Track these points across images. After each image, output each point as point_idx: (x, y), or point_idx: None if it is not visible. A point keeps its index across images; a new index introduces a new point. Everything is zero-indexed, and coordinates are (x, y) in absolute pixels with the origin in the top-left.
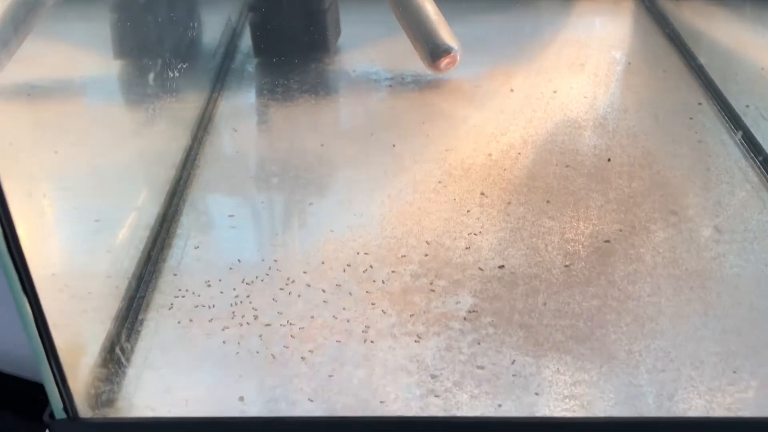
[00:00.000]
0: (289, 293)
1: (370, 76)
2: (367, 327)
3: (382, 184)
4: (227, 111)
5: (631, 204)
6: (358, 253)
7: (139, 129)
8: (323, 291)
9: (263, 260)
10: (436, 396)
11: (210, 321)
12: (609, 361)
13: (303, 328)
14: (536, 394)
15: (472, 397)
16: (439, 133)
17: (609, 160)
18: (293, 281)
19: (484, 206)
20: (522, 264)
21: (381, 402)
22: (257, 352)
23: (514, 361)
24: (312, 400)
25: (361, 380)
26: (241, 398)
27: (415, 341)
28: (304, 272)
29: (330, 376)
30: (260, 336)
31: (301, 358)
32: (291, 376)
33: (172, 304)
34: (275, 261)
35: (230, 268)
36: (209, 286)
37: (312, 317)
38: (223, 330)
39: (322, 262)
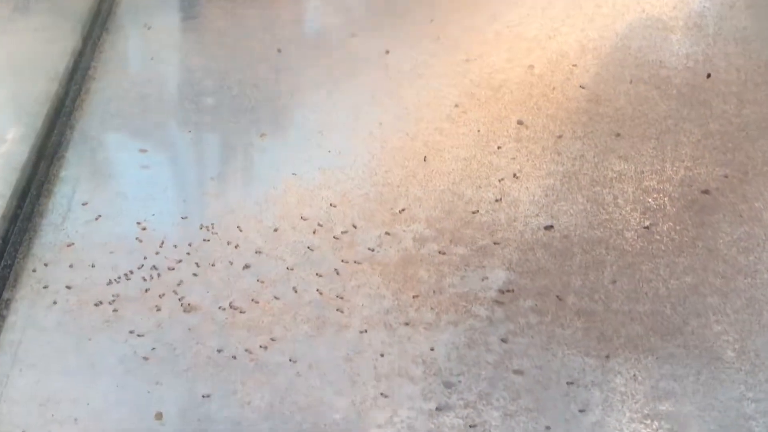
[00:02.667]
0: (231, 264)
1: None
2: (350, 313)
3: (369, 107)
4: None
5: (742, 139)
6: (333, 207)
7: (1, 24)
8: (282, 261)
9: (190, 217)
10: (453, 414)
11: (110, 306)
12: (711, 363)
13: (252, 315)
14: (602, 411)
15: (507, 416)
16: (456, 35)
17: (708, 75)
18: (236, 246)
19: (523, 141)
20: (579, 224)
21: (371, 426)
22: (181, 353)
23: (568, 362)
24: (267, 420)
25: (339, 392)
26: (158, 415)
27: (422, 334)
28: (254, 234)
29: (289, 387)
30: (188, 329)
31: (250, 358)
32: (233, 386)
33: (49, 280)
34: (209, 218)
35: (142, 228)
36: (111, 253)
37: (266, 299)
38: (130, 320)
39: (281, 220)
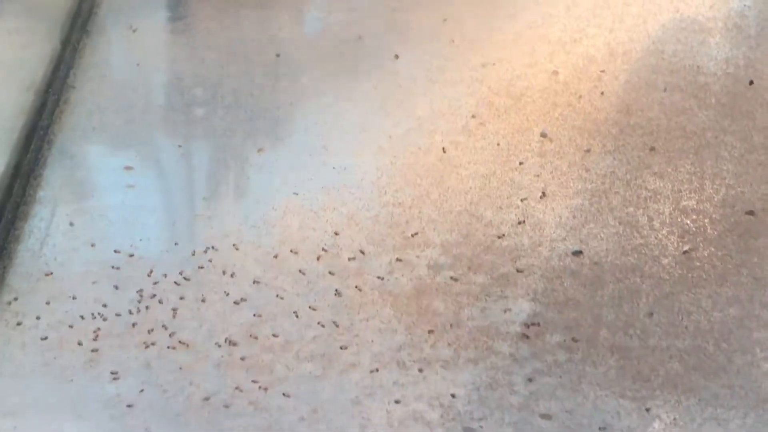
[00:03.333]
0: (226, 295)
1: None
2: (358, 350)
3: (377, 118)
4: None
5: None
6: (338, 232)
7: None
8: (283, 291)
9: (181, 243)
10: None
11: (93, 343)
12: (759, 405)
13: (250, 353)
14: None
15: None
16: (472, 37)
17: (751, 83)
18: (232, 275)
19: (547, 155)
20: (611, 249)
21: None
22: (173, 396)
23: (601, 405)
24: None
25: None
26: None
27: (438, 374)
28: (252, 261)
29: None
30: (179, 368)
31: (248, 401)
32: (228, 430)
33: (25, 314)
34: (202, 244)
35: (128, 256)
36: (93, 283)
37: (266, 335)
38: (115, 359)
39: (281, 245)
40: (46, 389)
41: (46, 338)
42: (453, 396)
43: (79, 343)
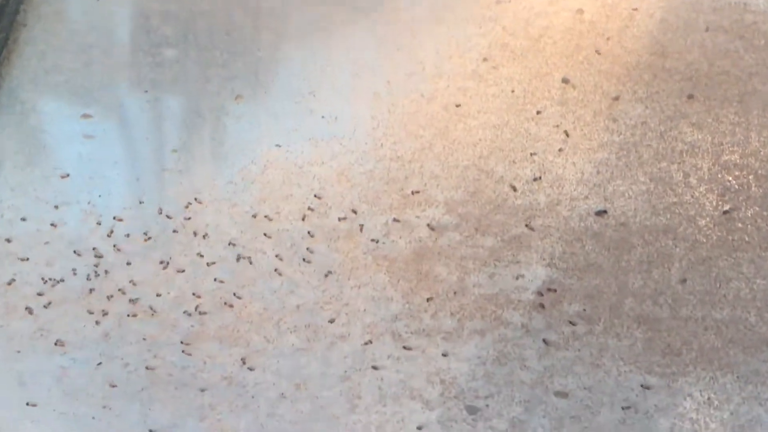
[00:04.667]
0: (199, 257)
1: None
2: (348, 320)
3: (374, 61)
4: None
5: None
6: (327, 187)
7: None
8: (263, 255)
9: (147, 200)
10: None
11: (45, 311)
12: None
13: (225, 323)
14: None
15: None
16: None
17: None
18: (204, 237)
19: (569, 104)
20: (640, 209)
21: None
22: (135, 371)
23: (624, 382)
24: None
25: (334, 419)
26: None
27: (439, 347)
28: (228, 221)
29: (272, 413)
30: (143, 339)
31: (222, 377)
32: (201, 411)
33: None
34: (171, 201)
35: (87, 213)
36: (46, 244)
37: (243, 303)
38: (69, 329)
39: (262, 203)
40: None
41: None
42: (454, 368)
43: (28, 311)
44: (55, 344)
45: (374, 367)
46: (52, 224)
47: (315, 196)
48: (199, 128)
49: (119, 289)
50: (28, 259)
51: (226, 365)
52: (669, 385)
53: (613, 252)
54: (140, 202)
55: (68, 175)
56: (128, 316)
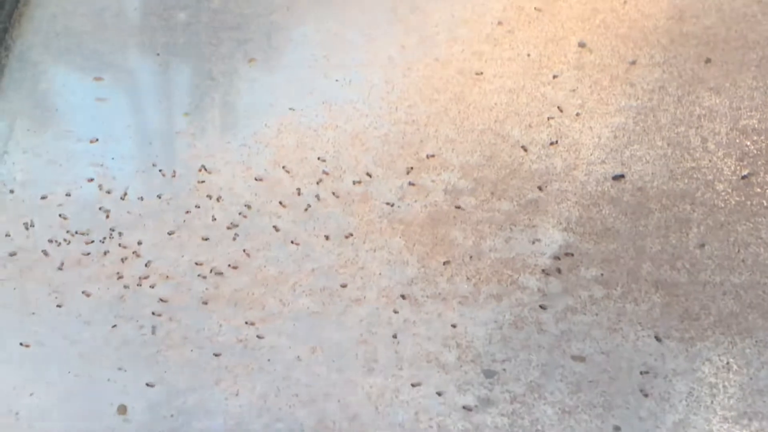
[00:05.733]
0: (213, 221)
1: None
2: (364, 284)
3: (388, 25)
4: None
5: None
6: (341, 151)
7: None
8: (278, 218)
9: (159, 163)
10: (496, 411)
11: (59, 273)
12: None
13: (239, 286)
14: (686, 407)
15: (564, 413)
16: None
17: None
18: (219, 200)
19: (586, 68)
20: (658, 173)
21: (391, 426)
22: (149, 333)
23: (642, 347)
24: (259, 417)
25: (350, 382)
26: (122, 409)
27: (456, 311)
28: (242, 184)
29: (287, 376)
30: (158, 301)
31: (237, 339)
32: (216, 374)
33: None
34: (184, 164)
35: (99, 177)
36: (59, 206)
37: (257, 266)
38: (84, 291)
39: (277, 166)
40: (5, 323)
41: (4, 267)
42: (470, 332)
43: (42, 273)
44: (69, 306)
45: (390, 331)
46: (64, 187)
47: (330, 159)
48: (212, 91)
49: (133, 252)
50: (41, 221)
51: (241, 328)
52: (687, 350)
53: (631, 217)
54: (153, 165)
55: (80, 139)
56: (142, 278)
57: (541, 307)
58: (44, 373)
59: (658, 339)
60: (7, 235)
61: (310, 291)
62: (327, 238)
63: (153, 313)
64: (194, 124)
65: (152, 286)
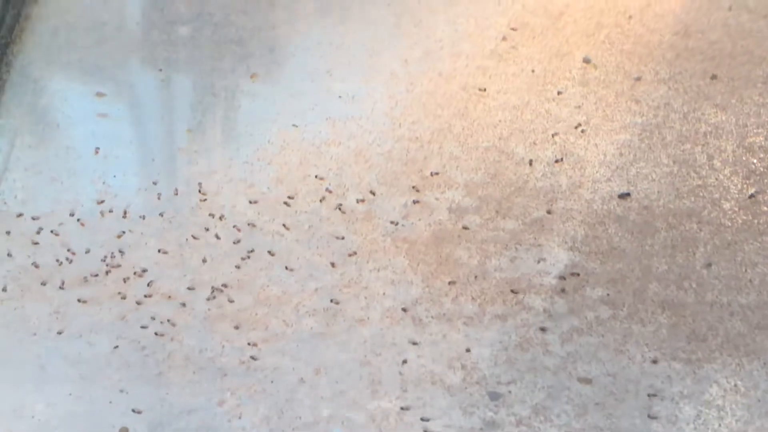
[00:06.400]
0: (217, 239)
1: None
2: (368, 304)
3: (391, 39)
4: None
5: None
6: (344, 168)
7: None
8: (281, 237)
9: (162, 180)
10: None
11: (61, 293)
12: None
13: (242, 306)
14: (694, 429)
15: None
16: None
17: None
18: (221, 218)
19: (590, 84)
20: (664, 192)
21: None
22: (152, 354)
23: (649, 369)
24: None
25: (354, 405)
26: (124, 431)
27: (460, 331)
28: (244, 202)
29: (291, 398)
30: (160, 323)
31: (240, 360)
32: (219, 395)
33: None
34: (186, 182)
35: (100, 195)
36: (60, 225)
37: (260, 285)
38: (85, 311)
39: (278, 184)
40: (7, 343)
41: (5, 289)
42: (475, 353)
43: (44, 294)
44: (71, 327)
45: (394, 353)
46: (66, 205)
47: (333, 177)
48: (214, 107)
49: (135, 272)
50: (42, 239)
51: (244, 349)
52: (694, 373)
53: (637, 236)
54: (155, 183)
55: (82, 155)
56: (145, 297)
57: (546, 328)
58: (45, 395)
59: (655, 362)
60: (9, 254)
61: (313, 311)
62: (330, 257)
63: (155, 334)
64: (196, 141)
65: (154, 307)
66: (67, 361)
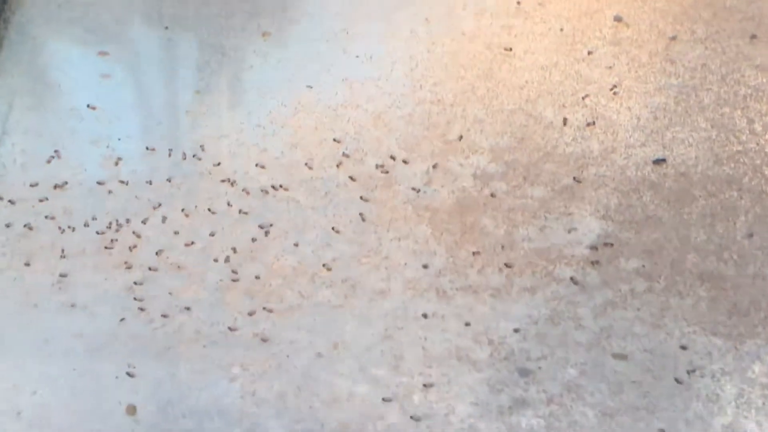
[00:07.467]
0: (228, 206)
1: None
2: (388, 275)
3: None
4: None
5: None
6: (362, 132)
7: None
8: (296, 204)
9: (169, 144)
10: (532, 413)
11: (62, 262)
12: None
13: (253, 278)
14: (736, 409)
15: (605, 416)
16: None
17: None
18: (233, 184)
19: (623, 43)
20: (702, 157)
21: (418, 429)
22: (161, 327)
23: (688, 344)
24: (277, 418)
25: (375, 381)
26: (130, 409)
27: (487, 304)
28: (256, 168)
29: (307, 374)
30: (168, 293)
31: (253, 334)
32: (231, 371)
33: None
34: (194, 146)
35: (105, 158)
36: (61, 191)
37: (274, 255)
38: (89, 282)
39: (293, 149)
40: (6, 316)
41: (3, 256)
42: (503, 327)
43: (45, 262)
44: (74, 299)
45: (417, 326)
46: (68, 170)
47: (351, 141)
48: (223, 68)
49: (142, 240)
50: (42, 206)
51: (258, 322)
52: (736, 348)
53: (674, 204)
54: (162, 147)
55: (84, 117)
56: (152, 268)
57: (578, 301)
58: (47, 370)
59: (694, 337)
60: (7, 223)
61: (330, 283)
62: (348, 225)
63: (163, 306)
64: (205, 103)
65: (163, 277)
66: (71, 334)
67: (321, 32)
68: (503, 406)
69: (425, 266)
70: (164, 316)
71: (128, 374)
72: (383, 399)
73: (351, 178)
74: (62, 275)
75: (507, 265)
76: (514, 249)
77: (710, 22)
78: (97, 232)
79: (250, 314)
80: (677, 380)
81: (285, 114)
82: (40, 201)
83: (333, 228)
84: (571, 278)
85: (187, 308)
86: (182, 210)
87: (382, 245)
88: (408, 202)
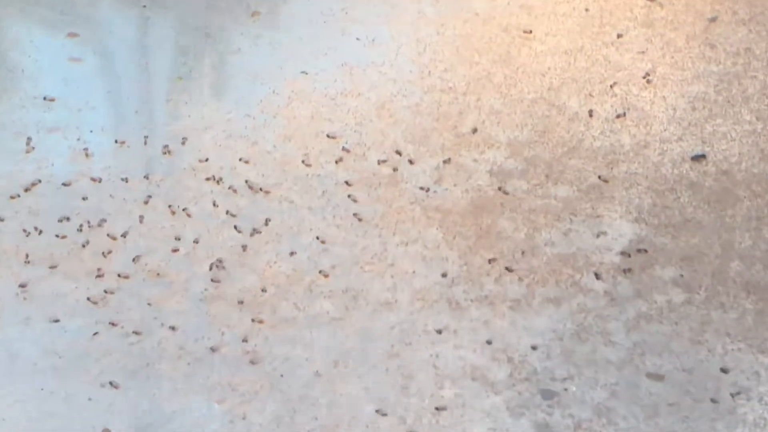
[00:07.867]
0: (214, 206)
1: None
2: (394, 285)
3: None
4: None
5: None
6: (364, 124)
7: None
8: (290, 204)
9: (147, 136)
10: None
11: (28, 269)
12: None
13: (245, 285)
14: None
15: None
16: None
17: None
18: (219, 181)
19: (657, 25)
20: (746, 153)
21: None
22: (138, 343)
23: (731, 362)
24: None
25: (380, 403)
26: None
27: (506, 318)
28: (244, 163)
29: (304, 396)
30: (147, 305)
31: (243, 350)
32: (220, 392)
33: None
34: (175, 138)
35: (74, 151)
36: (27, 191)
37: (266, 262)
38: (58, 291)
39: (286, 142)
40: None
41: None
42: (524, 343)
43: (8, 269)
44: (40, 311)
45: (427, 342)
46: (34, 165)
47: (351, 133)
48: (209, 51)
49: (117, 244)
50: (5, 206)
51: (248, 336)
52: None
53: (715, 206)
54: (139, 140)
55: (52, 107)
56: (128, 276)
57: (608, 314)
58: (13, 390)
59: (739, 355)
60: None
61: (329, 293)
62: (348, 228)
63: (142, 318)
64: (187, 91)
65: (140, 286)
66: (38, 349)
67: (317, 11)
68: None
69: (436, 275)
70: (141, 330)
71: (103, 395)
72: (390, 424)
73: (351, 174)
74: (27, 283)
75: (528, 274)
76: (536, 255)
77: (754, 1)
78: (67, 236)
79: (239, 328)
80: (719, 402)
81: (277, 103)
82: (3, 201)
83: (332, 231)
84: (601, 289)
85: (169, 322)
86: (162, 211)
87: (387, 251)
88: (416, 203)
